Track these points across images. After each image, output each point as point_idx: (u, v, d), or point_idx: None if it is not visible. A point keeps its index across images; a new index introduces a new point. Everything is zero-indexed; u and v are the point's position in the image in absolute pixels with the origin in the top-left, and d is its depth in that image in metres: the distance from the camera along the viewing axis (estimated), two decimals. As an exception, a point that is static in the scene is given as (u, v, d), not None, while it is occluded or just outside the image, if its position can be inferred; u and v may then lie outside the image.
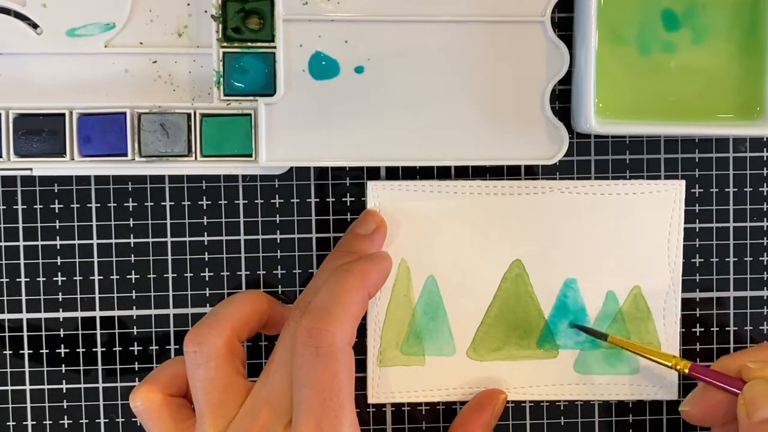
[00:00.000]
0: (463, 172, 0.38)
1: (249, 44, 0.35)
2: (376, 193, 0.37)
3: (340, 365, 0.30)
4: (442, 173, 0.38)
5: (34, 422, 0.38)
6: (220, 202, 0.38)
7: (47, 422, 0.38)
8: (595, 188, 0.37)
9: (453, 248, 0.37)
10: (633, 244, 0.37)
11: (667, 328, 0.37)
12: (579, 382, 0.37)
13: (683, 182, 0.37)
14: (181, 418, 0.32)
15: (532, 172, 0.38)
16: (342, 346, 0.30)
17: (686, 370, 0.34)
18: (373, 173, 0.38)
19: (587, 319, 0.37)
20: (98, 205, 0.38)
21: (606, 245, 0.37)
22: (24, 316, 0.38)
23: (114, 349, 0.38)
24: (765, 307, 0.39)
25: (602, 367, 0.38)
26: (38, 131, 0.35)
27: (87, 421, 0.38)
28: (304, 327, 0.30)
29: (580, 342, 0.37)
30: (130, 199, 0.38)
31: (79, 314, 0.38)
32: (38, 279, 0.38)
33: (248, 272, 0.38)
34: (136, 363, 0.38)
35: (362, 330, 0.37)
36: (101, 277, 0.38)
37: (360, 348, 0.38)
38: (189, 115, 0.35)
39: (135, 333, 0.38)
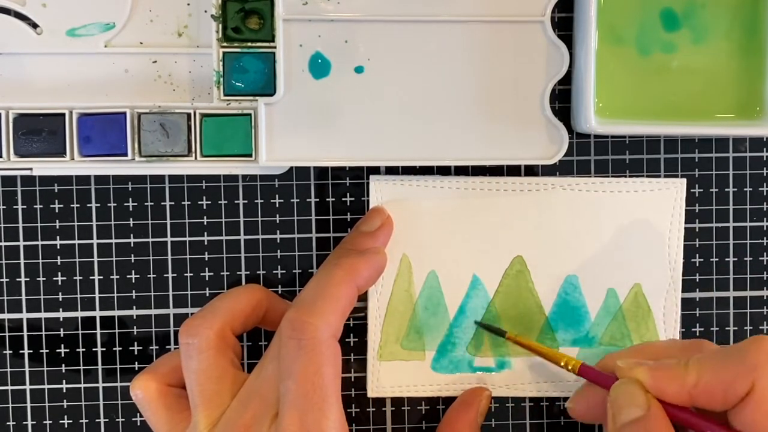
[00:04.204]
0: (463, 172, 0.38)
1: (249, 44, 0.35)
2: (379, 188, 0.37)
3: (324, 358, 0.30)
4: (442, 173, 0.38)
5: (34, 422, 0.38)
6: (220, 202, 0.38)
7: (47, 422, 0.38)
8: (596, 185, 0.37)
9: (455, 244, 0.37)
10: (634, 242, 0.37)
11: (667, 326, 0.37)
12: (579, 380, 0.37)
13: (684, 180, 0.37)
14: (177, 409, 0.32)
15: (532, 172, 0.38)
16: (325, 339, 0.30)
17: (576, 370, 0.33)
18: (373, 173, 0.38)
19: (588, 317, 0.37)
20: (98, 205, 0.38)
21: (607, 243, 0.37)
22: (24, 315, 0.38)
23: (114, 349, 0.38)
24: (765, 307, 0.39)
25: None
26: (38, 131, 0.35)
27: (87, 421, 0.38)
28: (289, 319, 0.30)
29: (578, 340, 0.37)
30: (130, 199, 0.38)
31: (79, 314, 0.38)
32: (38, 279, 0.38)
33: (248, 272, 0.38)
34: (136, 363, 0.38)
35: (363, 326, 0.37)
36: (101, 277, 0.38)
37: (360, 343, 0.38)
38: (189, 115, 0.35)
39: (135, 333, 0.38)
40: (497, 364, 0.37)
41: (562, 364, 0.34)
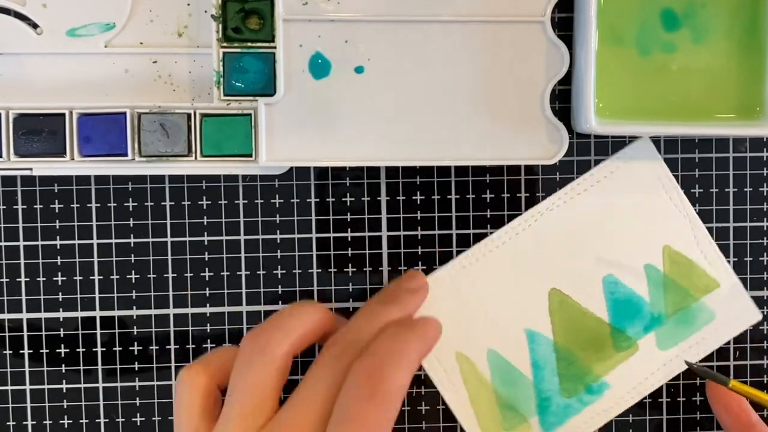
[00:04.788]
0: (463, 172, 0.38)
1: (249, 44, 0.35)
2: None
3: (391, 414, 0.29)
4: (442, 173, 0.38)
5: (34, 422, 0.38)
6: (220, 202, 0.38)
7: (47, 422, 0.38)
8: (576, 190, 0.37)
9: (495, 314, 0.37)
10: (640, 215, 0.37)
11: (712, 263, 0.38)
12: (668, 360, 0.37)
13: (661, 160, 0.38)
14: (210, 417, 0.32)
15: (532, 172, 0.38)
16: (398, 395, 0.30)
17: None
18: (374, 173, 0.38)
19: (643, 301, 0.37)
20: (98, 205, 0.38)
21: (618, 229, 0.37)
22: (24, 316, 0.38)
23: (114, 349, 0.38)
24: (765, 307, 0.39)
25: (682, 332, 0.38)
26: (38, 131, 0.35)
27: (87, 421, 0.38)
28: (365, 367, 0.30)
29: (647, 326, 0.37)
30: (130, 199, 0.38)
31: (79, 314, 0.38)
32: (38, 279, 0.38)
33: (248, 272, 0.38)
34: (136, 363, 0.38)
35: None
36: (101, 277, 0.38)
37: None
38: (189, 115, 0.35)
39: (135, 333, 0.38)
40: (596, 389, 0.37)
41: None
